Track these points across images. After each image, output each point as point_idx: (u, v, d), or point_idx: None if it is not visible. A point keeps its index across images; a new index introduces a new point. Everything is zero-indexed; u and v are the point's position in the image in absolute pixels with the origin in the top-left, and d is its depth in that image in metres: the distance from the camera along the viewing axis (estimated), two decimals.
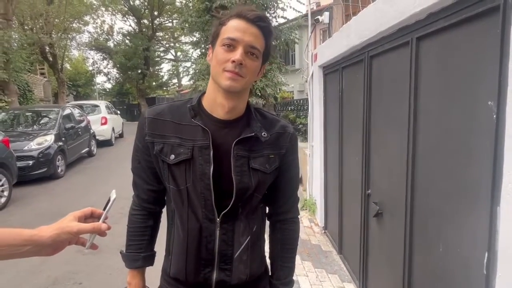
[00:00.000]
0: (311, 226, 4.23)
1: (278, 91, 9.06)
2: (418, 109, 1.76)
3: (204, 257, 0.98)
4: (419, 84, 1.75)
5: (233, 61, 0.87)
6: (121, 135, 13.70)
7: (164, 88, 31.15)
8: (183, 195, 0.96)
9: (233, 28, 0.90)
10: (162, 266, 1.10)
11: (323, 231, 4.03)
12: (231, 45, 0.89)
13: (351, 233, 3.03)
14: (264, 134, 0.99)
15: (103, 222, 0.79)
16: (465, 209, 1.41)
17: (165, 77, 31.13)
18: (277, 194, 1.08)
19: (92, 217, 0.80)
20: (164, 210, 1.12)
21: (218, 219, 0.96)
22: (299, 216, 1.18)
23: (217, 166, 0.94)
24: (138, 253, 1.07)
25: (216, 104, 0.96)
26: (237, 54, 0.87)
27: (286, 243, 1.12)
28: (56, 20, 15.27)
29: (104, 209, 0.82)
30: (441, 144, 1.58)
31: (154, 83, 28.40)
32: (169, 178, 0.97)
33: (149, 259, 1.09)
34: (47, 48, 15.58)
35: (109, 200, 0.83)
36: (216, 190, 0.94)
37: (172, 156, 0.94)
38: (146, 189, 1.05)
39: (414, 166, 1.82)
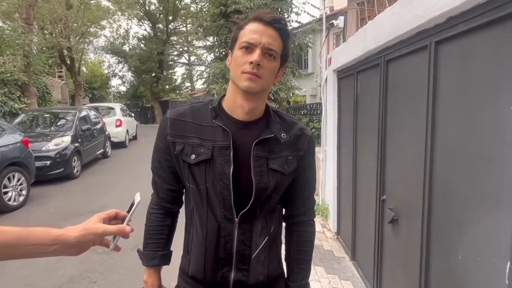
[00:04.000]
0: (323, 231, 4.19)
1: (291, 95, 9.05)
2: (437, 114, 1.73)
3: (222, 256, 0.99)
4: (438, 88, 1.73)
5: (251, 62, 0.89)
6: (135, 137, 13.91)
7: (177, 92, 31.52)
8: (202, 195, 0.98)
9: (251, 31, 0.92)
10: (180, 265, 1.11)
11: (336, 237, 3.99)
12: (249, 48, 0.91)
13: (365, 239, 2.98)
14: (284, 135, 1.00)
15: (127, 224, 0.80)
16: (486, 217, 1.38)
17: (178, 81, 31.56)
18: (294, 196, 1.09)
19: (116, 219, 0.81)
20: (182, 210, 1.13)
21: (236, 219, 0.97)
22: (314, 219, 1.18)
23: (237, 166, 0.95)
24: (156, 251, 1.08)
25: (236, 106, 0.98)
26: (255, 56, 0.90)
27: (302, 246, 1.13)
28: (74, 24, 15.70)
29: (128, 211, 0.83)
30: (460, 149, 1.55)
31: (167, 87, 28.79)
32: (189, 177, 0.99)
33: (166, 258, 1.11)
34: (65, 52, 16.00)
35: (133, 203, 0.84)
36: (235, 190, 0.95)
37: (193, 156, 0.96)
38: (165, 188, 1.07)
39: (431, 172, 1.78)
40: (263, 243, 1.02)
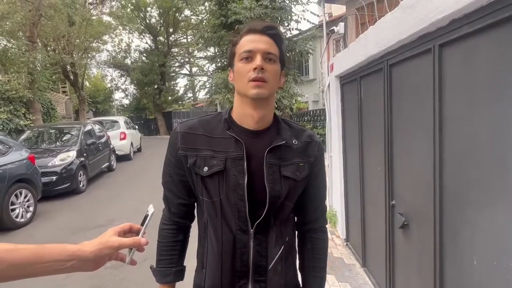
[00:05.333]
0: (332, 238, 4.14)
1: (294, 102, 9.07)
2: (444, 116, 1.72)
3: (239, 269, 0.98)
4: (444, 91, 1.72)
5: (255, 68, 0.91)
6: (139, 150, 13.96)
7: (180, 103, 31.72)
8: (216, 207, 0.97)
9: (247, 42, 0.95)
10: (194, 281, 1.10)
11: (345, 243, 3.94)
12: (249, 57, 0.94)
13: (375, 245, 2.94)
14: (295, 141, 1.02)
15: (142, 237, 0.79)
16: (500, 219, 1.35)
17: (181, 92, 31.80)
18: (306, 203, 1.09)
19: (130, 232, 0.80)
20: (193, 224, 1.12)
21: (251, 230, 0.97)
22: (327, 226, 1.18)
23: (250, 176, 0.96)
24: (169, 267, 1.07)
25: (246, 116, 0.99)
26: (257, 61, 0.92)
27: (316, 253, 1.12)
28: (77, 40, 15.93)
29: (142, 224, 0.82)
30: (470, 151, 1.53)
31: (170, 98, 29.00)
32: (203, 190, 0.98)
33: (180, 274, 1.09)
34: (69, 68, 16.20)
35: (146, 215, 0.83)
36: (249, 201, 0.95)
37: (206, 168, 0.96)
38: (177, 203, 1.06)
39: (441, 175, 1.76)
40: (279, 253, 1.01)
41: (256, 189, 0.96)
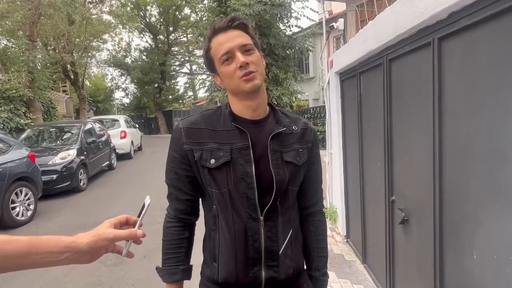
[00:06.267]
0: (332, 235, 4.14)
1: (294, 100, 9.04)
2: (443, 110, 1.71)
3: (252, 256, 1.00)
4: (443, 85, 1.70)
5: (241, 66, 0.94)
6: (139, 148, 13.96)
7: (180, 101, 31.70)
8: (225, 198, 0.99)
9: (219, 44, 0.96)
10: (203, 275, 1.10)
11: (345, 240, 3.94)
12: (229, 58, 0.95)
13: (375, 241, 2.94)
14: (295, 127, 1.07)
15: (138, 228, 0.78)
16: (500, 214, 1.34)
17: (181, 90, 31.78)
18: (306, 187, 1.14)
19: (127, 224, 0.80)
20: (198, 222, 1.13)
21: (261, 217, 1.00)
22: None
23: (256, 164, 0.99)
24: (177, 266, 1.07)
25: (244, 108, 1.02)
26: (239, 58, 0.94)
27: (319, 234, 1.17)
28: (77, 39, 15.92)
29: (139, 215, 0.81)
30: (470, 146, 1.52)
31: (170, 97, 29.00)
32: (211, 182, 1.00)
33: (188, 272, 1.09)
34: (69, 67, 16.20)
35: (143, 207, 0.83)
36: (257, 188, 0.98)
37: (213, 161, 0.98)
38: (183, 199, 1.07)
39: (441, 170, 1.75)
40: (288, 237, 1.04)
41: (263, 176, 0.99)
